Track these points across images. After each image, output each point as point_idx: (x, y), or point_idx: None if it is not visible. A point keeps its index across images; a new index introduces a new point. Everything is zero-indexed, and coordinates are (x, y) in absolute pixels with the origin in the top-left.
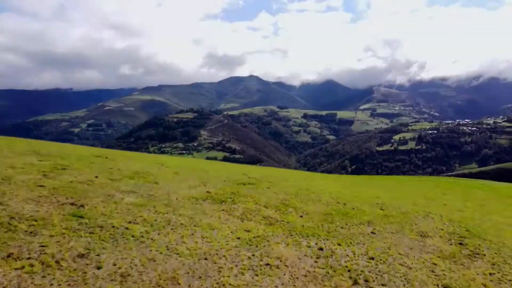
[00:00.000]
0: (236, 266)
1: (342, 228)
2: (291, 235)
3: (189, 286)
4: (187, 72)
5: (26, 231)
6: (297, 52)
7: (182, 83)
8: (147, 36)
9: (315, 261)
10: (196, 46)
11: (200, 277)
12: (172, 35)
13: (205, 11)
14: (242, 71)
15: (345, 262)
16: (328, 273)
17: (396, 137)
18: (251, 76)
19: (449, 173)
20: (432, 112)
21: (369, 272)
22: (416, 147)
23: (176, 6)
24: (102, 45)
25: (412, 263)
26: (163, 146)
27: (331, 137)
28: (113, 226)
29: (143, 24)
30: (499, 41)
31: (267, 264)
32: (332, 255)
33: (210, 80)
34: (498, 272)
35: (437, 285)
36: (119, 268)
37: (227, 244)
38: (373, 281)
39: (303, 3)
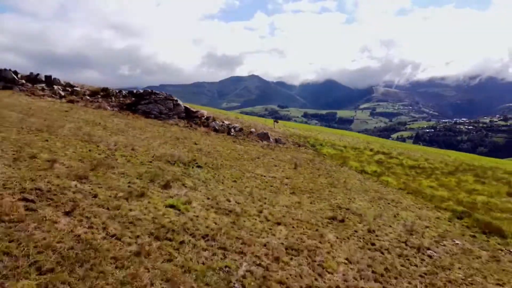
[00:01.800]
0: None
1: None
2: None
3: None
4: (187, 72)
5: None
6: (294, 52)
7: (183, 82)
8: (147, 36)
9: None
10: (195, 46)
11: None
12: (171, 35)
13: (203, 12)
14: (240, 71)
15: None
16: None
17: (394, 135)
18: (251, 76)
19: None
20: (431, 111)
21: None
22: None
23: (174, 6)
24: (102, 45)
25: None
26: None
27: None
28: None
29: (143, 24)
30: (494, 40)
31: None
32: None
33: (210, 79)
34: None
35: None
36: None
37: None
38: None
39: (298, 3)
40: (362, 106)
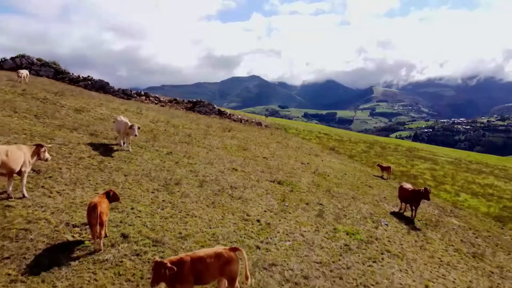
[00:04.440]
0: None
1: None
2: None
3: None
4: (187, 73)
5: None
6: (291, 53)
7: (183, 83)
8: (146, 38)
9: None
10: (194, 47)
11: None
12: (170, 36)
13: (201, 13)
14: (239, 71)
15: None
16: None
17: (393, 135)
18: (252, 76)
19: None
20: (430, 112)
21: None
22: None
23: (172, 7)
24: (102, 46)
25: None
26: None
27: None
28: None
29: (142, 26)
30: (488, 41)
31: None
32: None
33: (210, 80)
34: None
35: None
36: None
37: None
38: None
39: (294, 4)
40: (362, 106)
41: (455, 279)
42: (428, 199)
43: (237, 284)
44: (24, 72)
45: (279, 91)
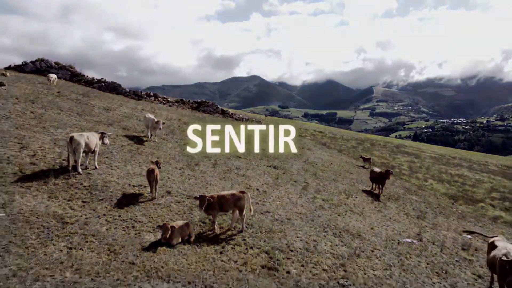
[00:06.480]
0: None
1: None
2: None
3: None
4: (187, 73)
5: None
6: (291, 53)
7: (183, 83)
8: (146, 38)
9: None
10: (194, 47)
11: None
12: (170, 36)
13: (201, 13)
14: (239, 72)
15: None
16: None
17: (393, 135)
18: (252, 76)
19: None
20: (430, 112)
21: None
22: None
23: (173, 7)
24: (102, 46)
25: None
26: None
27: None
28: None
29: (141, 26)
30: (486, 41)
31: None
32: None
33: (210, 80)
34: None
35: None
36: None
37: None
38: None
39: (293, 4)
40: (362, 107)
41: (395, 227)
42: (388, 178)
43: (244, 213)
44: (53, 76)
45: (279, 91)
